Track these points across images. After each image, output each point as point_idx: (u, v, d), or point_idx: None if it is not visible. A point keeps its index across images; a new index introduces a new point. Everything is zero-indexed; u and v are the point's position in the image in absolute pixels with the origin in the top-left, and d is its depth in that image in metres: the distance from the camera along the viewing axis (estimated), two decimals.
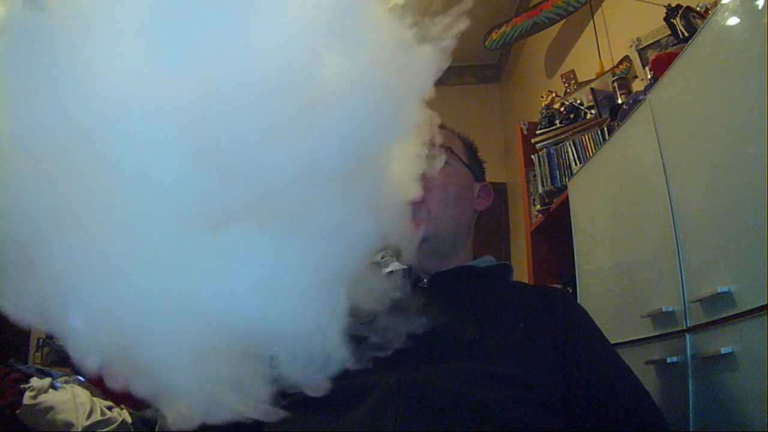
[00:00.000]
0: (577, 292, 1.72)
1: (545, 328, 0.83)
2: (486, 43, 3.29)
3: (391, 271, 0.93)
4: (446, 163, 0.95)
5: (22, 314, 0.53)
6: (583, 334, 0.86)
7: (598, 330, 0.88)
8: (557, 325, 0.84)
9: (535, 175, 2.60)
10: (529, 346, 0.80)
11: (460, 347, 0.79)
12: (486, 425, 0.68)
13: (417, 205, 0.89)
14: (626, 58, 2.31)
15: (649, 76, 1.69)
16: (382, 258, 0.99)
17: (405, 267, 0.94)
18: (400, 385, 0.71)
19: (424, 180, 0.88)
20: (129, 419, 1.75)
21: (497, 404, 0.70)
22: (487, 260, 1.00)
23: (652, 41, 2.10)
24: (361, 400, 0.71)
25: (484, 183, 1.07)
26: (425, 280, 0.92)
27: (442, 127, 1.04)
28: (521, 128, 2.85)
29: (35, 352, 3.54)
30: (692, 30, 1.54)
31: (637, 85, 2.12)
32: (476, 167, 1.07)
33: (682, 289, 1.11)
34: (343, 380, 0.65)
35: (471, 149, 1.08)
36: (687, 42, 1.23)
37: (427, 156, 0.89)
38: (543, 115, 2.65)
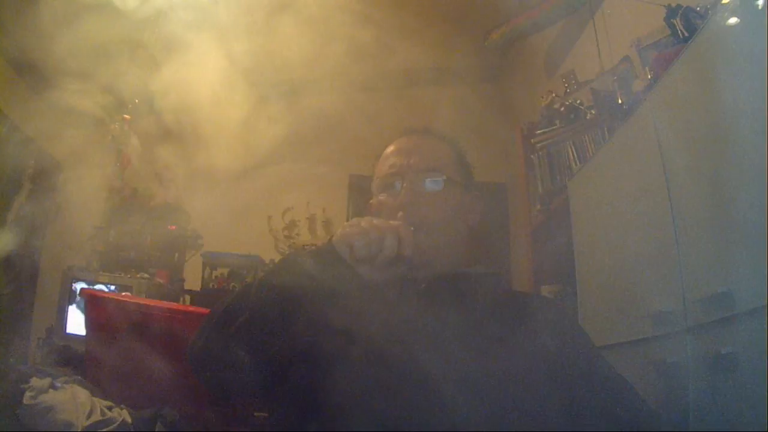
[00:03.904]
0: (577, 292, 1.72)
1: (544, 331, 0.84)
2: (486, 43, 3.28)
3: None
4: (441, 187, 0.95)
5: None
6: (581, 341, 0.89)
7: (591, 340, 0.91)
8: (556, 329, 0.85)
9: (535, 175, 2.59)
10: (530, 346, 0.81)
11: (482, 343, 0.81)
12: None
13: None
14: (626, 58, 2.30)
15: (649, 77, 1.68)
16: None
17: None
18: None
19: (417, 208, 0.90)
20: (129, 419, 1.74)
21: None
22: (480, 269, 1.00)
23: (652, 41, 2.09)
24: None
25: (475, 194, 1.05)
26: (423, 285, 0.93)
27: (432, 132, 1.04)
28: (521, 128, 2.84)
29: (35, 352, 3.53)
30: (692, 30, 1.53)
31: (637, 85, 2.12)
32: (466, 176, 1.04)
33: (683, 289, 1.11)
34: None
35: (461, 156, 1.05)
36: (687, 42, 1.23)
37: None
38: (543, 115, 2.65)
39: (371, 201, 1.01)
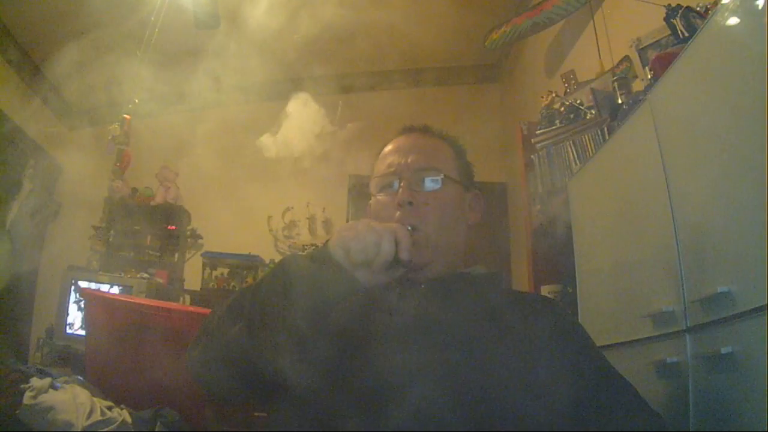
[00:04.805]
0: (577, 292, 1.72)
1: (544, 331, 0.84)
2: (486, 43, 3.28)
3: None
4: (439, 185, 0.94)
5: None
6: (581, 340, 0.88)
7: (591, 339, 0.90)
8: (556, 328, 0.85)
9: (535, 175, 2.59)
10: (531, 346, 0.81)
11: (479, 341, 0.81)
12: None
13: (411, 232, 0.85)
14: (626, 58, 2.30)
15: (649, 76, 1.69)
16: None
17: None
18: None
19: (417, 207, 0.90)
20: (129, 419, 1.74)
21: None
22: (480, 269, 1.00)
23: (652, 41, 2.09)
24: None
25: (475, 192, 1.04)
26: (422, 286, 0.92)
27: (431, 131, 1.04)
28: (521, 128, 2.84)
29: (35, 352, 3.54)
30: (692, 30, 1.53)
31: (637, 85, 2.12)
32: (465, 175, 1.03)
33: (682, 289, 1.11)
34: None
35: (460, 155, 1.05)
36: (687, 42, 1.23)
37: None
38: (543, 115, 2.65)
39: (370, 201, 1.01)
